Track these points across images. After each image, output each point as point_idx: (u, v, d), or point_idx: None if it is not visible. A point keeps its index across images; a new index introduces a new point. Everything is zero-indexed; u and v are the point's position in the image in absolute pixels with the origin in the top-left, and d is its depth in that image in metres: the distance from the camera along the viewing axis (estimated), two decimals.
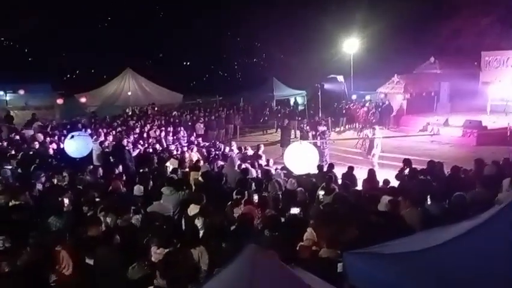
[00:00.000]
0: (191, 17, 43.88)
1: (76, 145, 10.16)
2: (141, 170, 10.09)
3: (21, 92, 23.60)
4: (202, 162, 10.66)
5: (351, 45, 27.53)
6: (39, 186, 8.36)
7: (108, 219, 5.99)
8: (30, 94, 23.65)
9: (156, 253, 4.67)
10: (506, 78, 21.56)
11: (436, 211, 5.89)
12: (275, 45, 45.77)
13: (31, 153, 11.72)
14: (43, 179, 8.68)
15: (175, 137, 16.48)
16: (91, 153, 11.43)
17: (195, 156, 12.02)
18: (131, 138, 14.88)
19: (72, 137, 10.31)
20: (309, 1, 36.80)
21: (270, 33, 41.34)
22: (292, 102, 27.71)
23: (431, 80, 23.81)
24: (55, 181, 8.79)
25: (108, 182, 8.43)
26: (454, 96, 22.25)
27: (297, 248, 4.97)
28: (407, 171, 9.30)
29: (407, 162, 9.28)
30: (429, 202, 6.31)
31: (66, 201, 7.19)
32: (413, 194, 6.94)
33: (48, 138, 14.05)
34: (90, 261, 4.84)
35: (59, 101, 24.21)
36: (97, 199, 7.10)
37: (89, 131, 14.79)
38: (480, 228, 2.92)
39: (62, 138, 13.20)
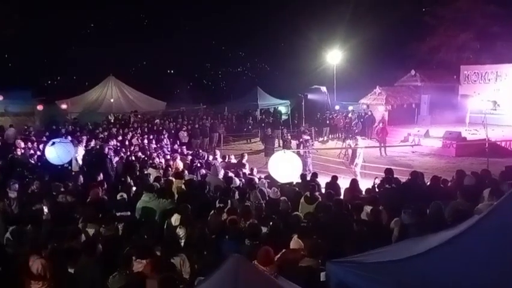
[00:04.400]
0: (175, 25, 43.85)
1: (57, 152, 9.97)
2: (122, 179, 9.94)
3: (0, 98, 23.11)
4: (185, 171, 10.59)
5: (334, 56, 27.96)
6: (12, 194, 8.13)
7: (89, 230, 5.88)
8: (10, 100, 23.17)
9: (135, 262, 4.60)
10: (484, 91, 22.17)
11: (414, 220, 5.95)
12: (259, 55, 46.13)
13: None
14: (16, 187, 8.41)
15: (158, 145, 16.33)
16: (71, 161, 11.27)
17: (180, 164, 11.93)
18: (113, 145, 14.68)
19: (53, 143, 10.11)
20: (293, 13, 37.22)
21: (255, 43, 41.66)
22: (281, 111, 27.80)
23: (412, 92, 24.31)
24: (33, 188, 8.58)
25: (88, 190, 8.26)
26: (434, 108, 22.74)
27: (280, 255, 4.94)
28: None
29: (388, 171, 9.37)
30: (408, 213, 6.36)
31: (45, 209, 7.03)
32: (391, 203, 7.04)
33: (29, 144, 13.79)
34: (72, 271, 4.73)
35: (39, 108, 23.80)
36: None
37: (69, 137, 14.53)
38: (460, 238, 2.96)
39: (43, 145, 12.96)
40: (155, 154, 13.71)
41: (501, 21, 25.48)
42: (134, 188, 8.73)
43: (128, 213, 6.74)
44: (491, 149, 13.33)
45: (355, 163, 13.86)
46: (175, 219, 6.35)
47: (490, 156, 12.05)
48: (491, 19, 25.87)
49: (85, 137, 15.22)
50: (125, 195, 7.64)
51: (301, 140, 15.80)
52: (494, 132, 17.63)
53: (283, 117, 26.13)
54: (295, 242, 5.10)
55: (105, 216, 6.26)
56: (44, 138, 15.01)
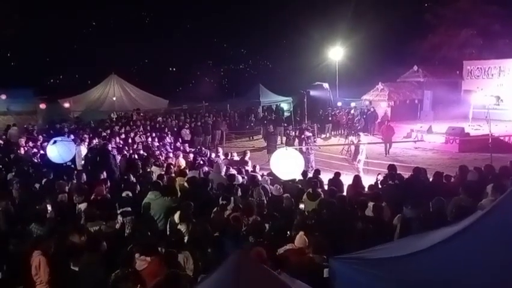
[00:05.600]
0: (176, 24, 43.83)
1: (58, 150, 9.98)
2: (125, 177, 9.95)
3: (3, 97, 23.20)
4: (187, 170, 10.60)
5: (336, 53, 27.88)
6: (16, 193, 8.17)
7: (92, 228, 5.90)
8: (12, 99, 23.25)
9: (139, 260, 4.60)
10: (487, 86, 22.07)
11: (415, 214, 5.96)
12: (261, 52, 46.05)
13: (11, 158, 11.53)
14: (18, 185, 8.44)
15: (160, 143, 16.35)
16: (74, 159, 11.30)
17: (182, 162, 11.94)
18: (116, 143, 14.71)
19: (55, 142, 10.12)
20: (295, 9, 37.12)
21: (257, 40, 41.59)
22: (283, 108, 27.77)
23: (415, 88, 24.23)
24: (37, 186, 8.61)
25: (92, 187, 8.29)
26: (437, 104, 22.66)
27: (283, 252, 4.94)
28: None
29: (391, 168, 9.36)
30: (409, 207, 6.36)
31: (49, 207, 7.06)
32: (394, 199, 7.03)
33: (30, 143, 13.83)
34: (75, 268, 4.75)
35: (42, 106, 23.87)
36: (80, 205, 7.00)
37: (72, 136, 14.57)
38: (463, 234, 2.95)
39: (45, 143, 13.00)
40: (158, 152, 13.72)
41: (502, 20, 25.40)
42: (138, 186, 8.73)
43: (129, 208, 6.75)
44: (495, 145, 13.26)
45: (358, 159, 13.85)
46: (177, 216, 6.37)
47: (493, 152, 11.98)
48: (492, 18, 25.79)
49: (87, 136, 15.26)
50: (130, 194, 7.67)
51: (303, 136, 15.78)
52: (497, 127, 17.58)
53: (286, 114, 26.10)
54: (300, 239, 5.08)
55: (106, 214, 6.28)
56: (42, 137, 15.07)
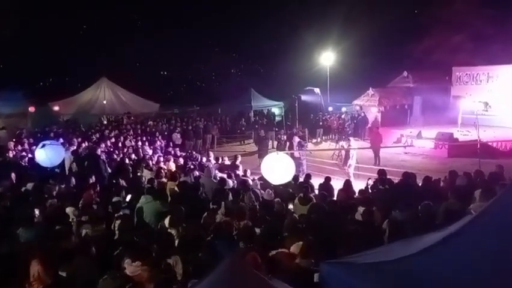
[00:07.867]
0: (168, 27, 43.75)
1: (47, 154, 9.88)
2: (114, 181, 9.87)
3: None
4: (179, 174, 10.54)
5: (327, 58, 28.06)
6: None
7: (82, 232, 5.85)
8: (1, 102, 22.96)
9: (131, 266, 4.54)
10: (476, 92, 22.35)
11: (405, 216, 6.01)
12: (253, 56, 46.17)
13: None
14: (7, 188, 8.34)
15: (151, 147, 16.25)
16: (63, 163, 11.18)
17: (173, 166, 11.88)
18: (106, 147, 14.60)
19: (43, 145, 10.02)
20: (286, 14, 37.29)
21: (248, 44, 41.69)
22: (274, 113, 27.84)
23: (405, 93, 24.45)
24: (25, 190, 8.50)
25: (81, 192, 8.20)
26: (427, 109, 22.86)
27: (276, 254, 4.91)
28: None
29: (381, 172, 9.42)
30: (397, 211, 6.42)
31: (36, 212, 6.97)
32: (384, 203, 7.08)
33: (19, 146, 13.67)
34: (63, 274, 4.68)
35: (31, 109, 23.62)
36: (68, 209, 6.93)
37: (61, 139, 14.42)
38: (453, 238, 2.97)
39: (33, 147, 12.86)
40: (148, 156, 13.64)
41: (496, 23, 25.68)
42: (126, 190, 8.66)
43: (127, 211, 6.74)
44: (483, 150, 13.41)
45: (348, 164, 13.90)
46: (168, 221, 6.33)
47: (481, 157, 12.12)
48: (486, 21, 26.05)
49: (75, 140, 15.11)
50: (121, 197, 7.64)
51: (294, 140, 15.82)
52: (485, 133, 17.77)
53: (277, 118, 26.17)
54: (296, 248, 5.03)
55: (96, 217, 6.24)
56: (32, 140, 14.91)
